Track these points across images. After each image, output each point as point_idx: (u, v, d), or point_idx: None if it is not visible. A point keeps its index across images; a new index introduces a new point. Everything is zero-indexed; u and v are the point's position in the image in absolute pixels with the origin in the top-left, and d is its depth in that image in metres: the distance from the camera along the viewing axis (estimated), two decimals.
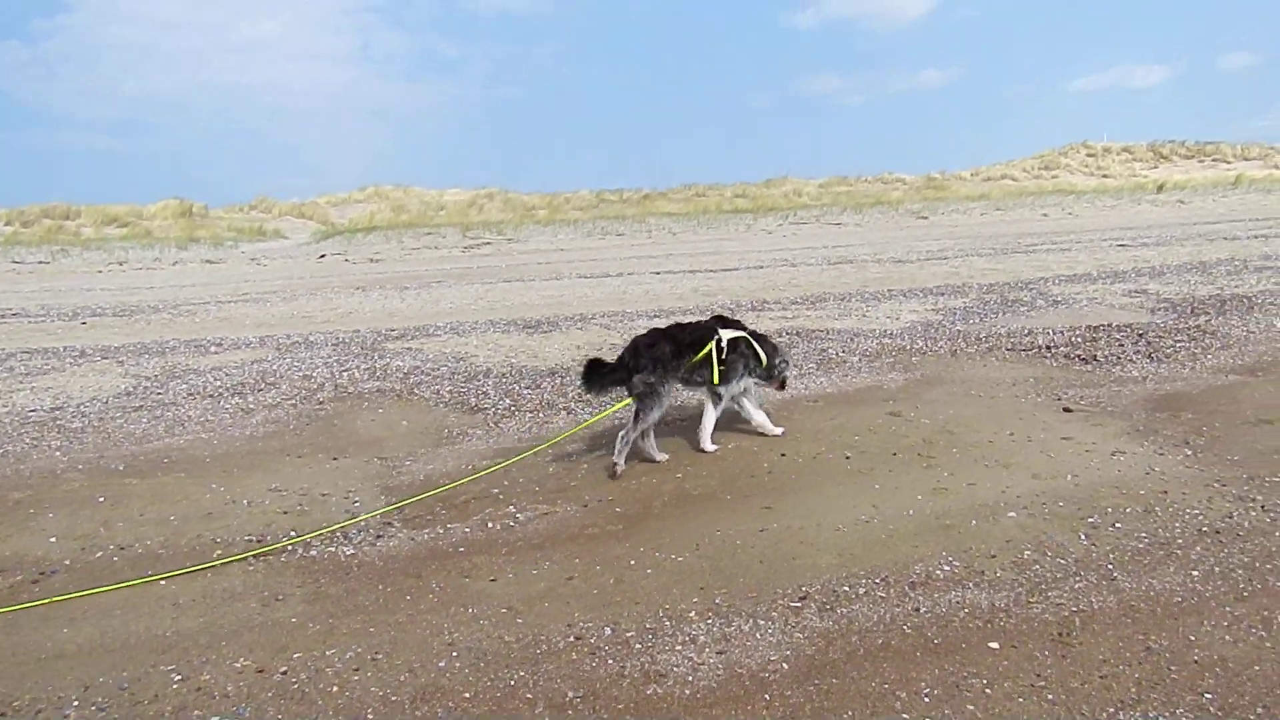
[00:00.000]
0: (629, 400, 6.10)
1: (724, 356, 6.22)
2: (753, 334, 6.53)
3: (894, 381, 8.18)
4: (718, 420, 6.45)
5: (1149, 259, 17.45)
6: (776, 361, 6.60)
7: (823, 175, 64.14)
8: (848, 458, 6.05)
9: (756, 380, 6.57)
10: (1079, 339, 9.47)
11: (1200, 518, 4.76)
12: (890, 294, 14.17)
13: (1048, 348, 9.14)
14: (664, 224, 40.61)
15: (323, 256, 34.51)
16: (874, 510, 5.10)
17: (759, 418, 6.60)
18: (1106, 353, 8.77)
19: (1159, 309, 11.25)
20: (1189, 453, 5.86)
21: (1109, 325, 10.10)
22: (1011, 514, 4.93)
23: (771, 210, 45.23)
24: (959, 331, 10.39)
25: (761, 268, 20.18)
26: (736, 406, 6.63)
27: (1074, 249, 20.72)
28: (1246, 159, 68.66)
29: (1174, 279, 14.04)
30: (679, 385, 6.35)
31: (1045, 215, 38.56)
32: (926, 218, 39.39)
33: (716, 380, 6.23)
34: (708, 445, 6.31)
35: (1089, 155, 70.91)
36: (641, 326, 11.50)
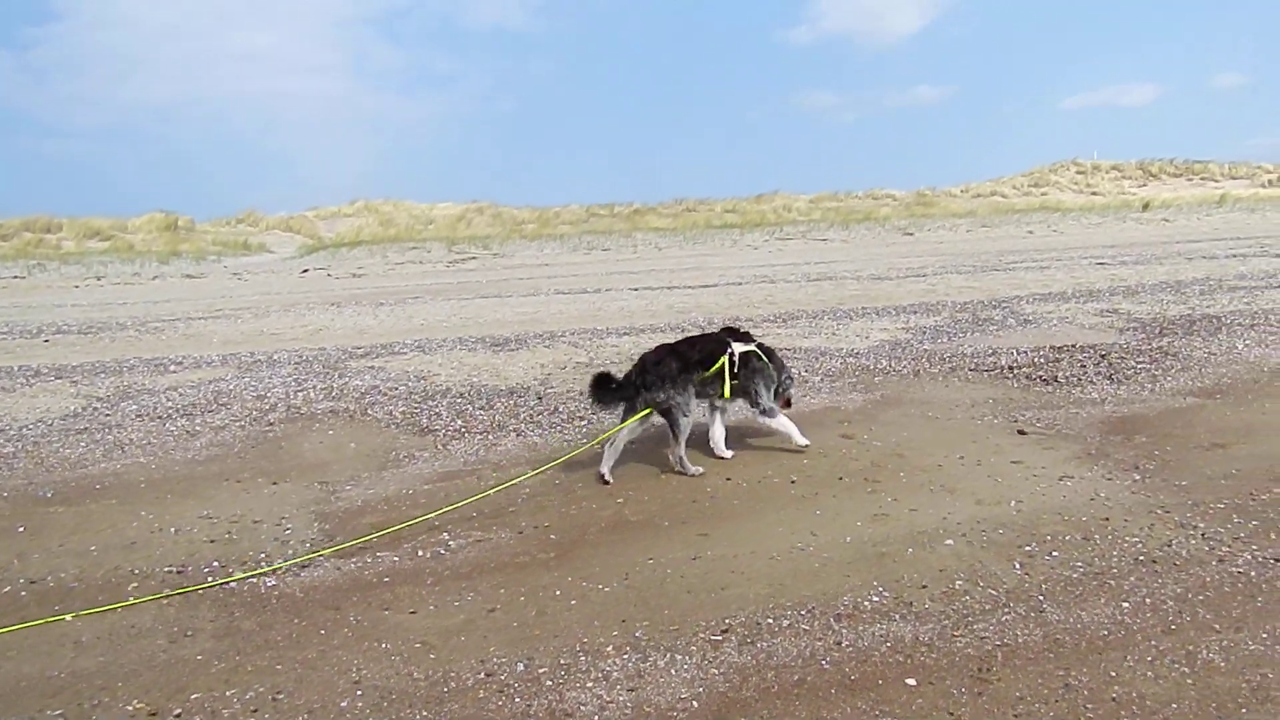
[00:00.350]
0: (605, 436, 6.03)
1: (736, 370, 6.23)
2: (761, 347, 6.49)
3: (852, 402, 8.10)
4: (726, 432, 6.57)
5: (1126, 278, 17.43)
6: (782, 377, 6.55)
7: (814, 191, 64.25)
8: (793, 482, 5.95)
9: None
10: (1042, 359, 9.40)
11: (1139, 546, 4.67)
12: (863, 312, 14.11)
13: (1010, 368, 9.08)
14: (651, 239, 40.58)
15: (306, 271, 34.38)
16: (811, 538, 5.00)
17: (718, 436, 6.57)
18: (1068, 374, 8.70)
19: (1128, 329, 11.19)
20: (1137, 477, 5.78)
21: (1073, 346, 10.04)
22: (949, 542, 4.84)
23: (760, 226, 45.31)
24: (925, 351, 10.32)
25: (740, 284, 20.12)
26: (709, 421, 6.59)
27: (1053, 267, 20.71)
28: (1234, 178, 69.02)
29: (1148, 298, 14.01)
30: (695, 399, 6.29)
31: (1031, 232, 38.63)
32: (912, 234, 39.43)
33: (727, 395, 6.23)
34: (800, 439, 6.41)
35: (1079, 173, 71.26)
36: (610, 344, 11.43)
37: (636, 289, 19.97)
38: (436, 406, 8.40)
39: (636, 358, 6.35)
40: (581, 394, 8.60)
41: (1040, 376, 8.67)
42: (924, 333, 11.71)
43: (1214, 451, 6.27)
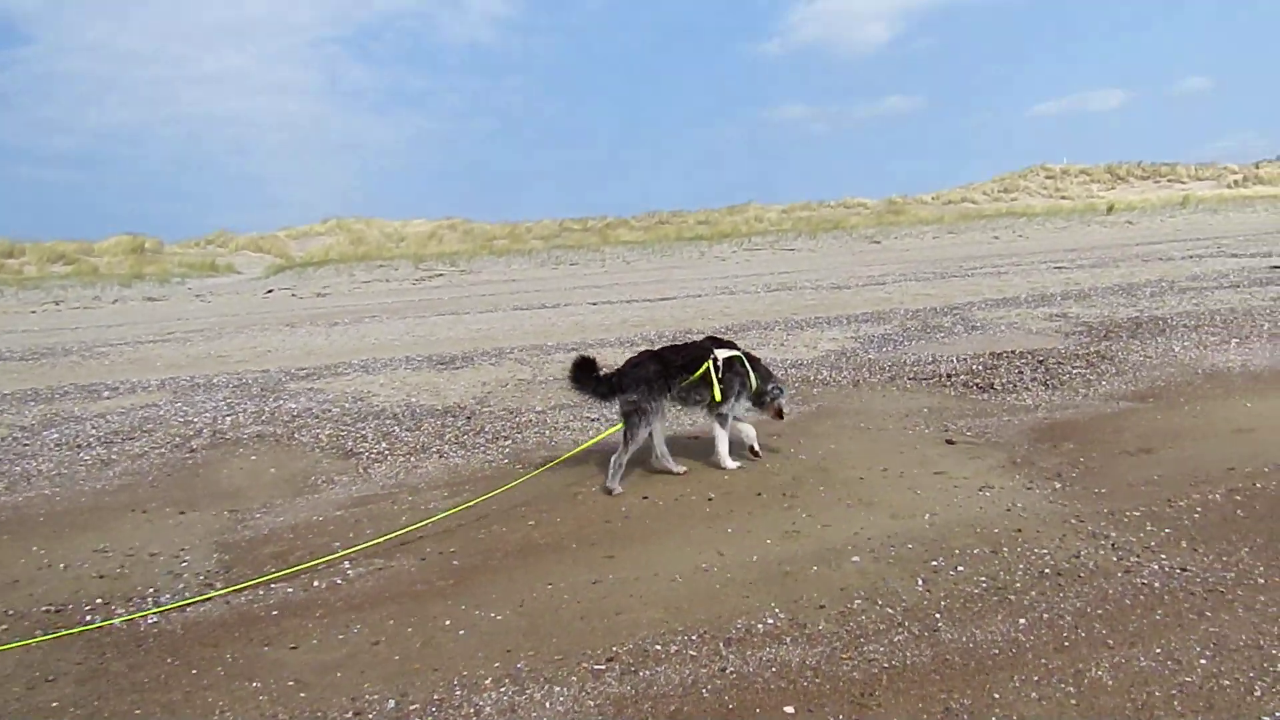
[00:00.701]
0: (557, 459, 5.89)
1: (720, 376, 6.17)
2: (747, 355, 6.43)
3: (787, 414, 7.98)
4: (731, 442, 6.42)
5: (1080, 281, 17.45)
6: (769, 387, 6.48)
7: (787, 201, 64.48)
8: (710, 499, 5.83)
9: (747, 407, 6.47)
10: (980, 366, 9.32)
11: (1046, 559, 4.57)
12: (815, 321, 14.03)
13: (949, 376, 8.99)
14: (619, 252, 40.52)
15: (270, 291, 34.09)
16: (718, 557, 4.88)
17: (748, 433, 6.51)
18: (1004, 380, 8.62)
19: (1073, 333, 11.15)
20: (1058, 486, 5.70)
21: (1014, 352, 9.97)
22: (856, 559, 4.72)
23: (729, 237, 45.27)
24: (868, 360, 10.23)
25: (700, 296, 20.04)
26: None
27: (1012, 272, 20.74)
28: (1200, 179, 69.78)
29: (1099, 301, 13.99)
30: (678, 405, 6.36)
31: (996, 238, 38.83)
32: (879, 242, 39.56)
33: (719, 398, 6.15)
34: (728, 463, 6.29)
35: (1048, 177, 71.86)
36: (556, 360, 11.29)
37: (596, 303, 19.87)
38: (364, 429, 8.23)
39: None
40: (510, 412, 8.47)
41: (977, 384, 8.59)
42: (871, 342, 11.63)
43: (1139, 457, 6.19)
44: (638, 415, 6.00)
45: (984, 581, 4.36)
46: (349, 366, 12.17)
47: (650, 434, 6.14)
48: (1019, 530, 4.96)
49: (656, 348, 6.50)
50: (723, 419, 6.32)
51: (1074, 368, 8.91)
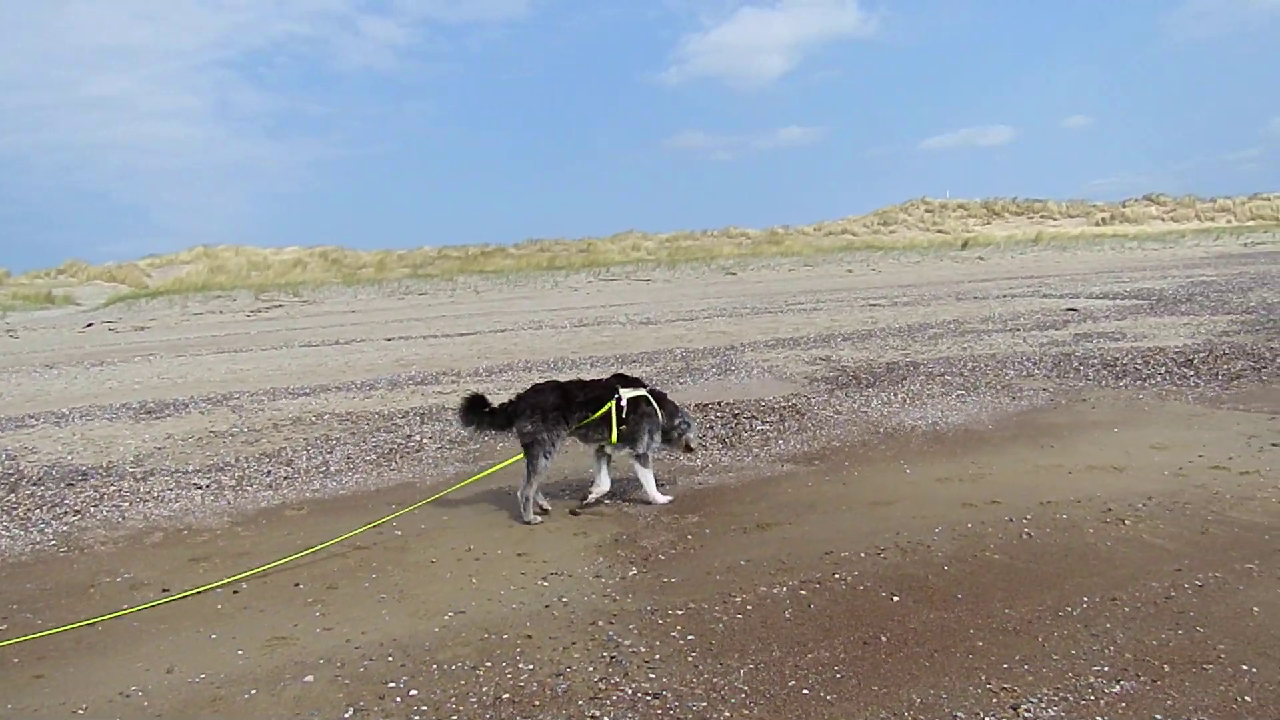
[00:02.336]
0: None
1: (624, 416, 6.09)
2: (652, 393, 6.35)
3: (423, 478, 7.21)
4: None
5: (879, 320, 17.21)
6: (676, 422, 6.39)
7: (672, 229, 64.55)
8: (235, 593, 4.98)
9: (658, 444, 6.38)
10: None
11: (524, 679, 3.84)
12: (582, 362, 13.35)
13: None
14: (473, 282, 39.59)
15: (89, 325, 32.11)
16: (163, 678, 4.03)
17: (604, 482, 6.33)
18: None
19: (817, 380, 10.68)
20: (632, 573, 5.02)
21: (731, 402, 9.40)
22: (309, 678, 3.93)
23: (592, 266, 44.73)
24: None
25: (504, 331, 19.26)
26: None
27: (825, 308, 20.51)
28: (1071, 216, 72.45)
29: (874, 344, 13.64)
30: (577, 440, 6.29)
31: (850, 271, 39.12)
32: (735, 274, 39.48)
33: (615, 440, 6.08)
34: (659, 499, 6.24)
35: (927, 211, 73.60)
36: (277, 407, 10.33)
37: (392, 339, 18.91)
38: None
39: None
40: (146, 475, 7.52)
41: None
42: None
43: (751, 534, 5.57)
44: (536, 446, 5.92)
45: (428, 711, 3.60)
46: (49, 416, 11.01)
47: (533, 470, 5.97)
48: (530, 636, 4.24)
49: (563, 380, 6.37)
50: (643, 459, 6.22)
51: (765, 423, 8.35)
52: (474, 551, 5.46)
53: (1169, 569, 4.64)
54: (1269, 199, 72.76)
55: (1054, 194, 74.64)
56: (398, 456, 7.88)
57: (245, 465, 7.79)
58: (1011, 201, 75.29)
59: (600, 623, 4.37)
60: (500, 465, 6.61)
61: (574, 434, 6.15)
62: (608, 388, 6.22)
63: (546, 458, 5.96)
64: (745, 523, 5.79)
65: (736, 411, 8.92)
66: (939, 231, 67.46)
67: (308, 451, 8.15)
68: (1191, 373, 9.89)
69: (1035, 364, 10.88)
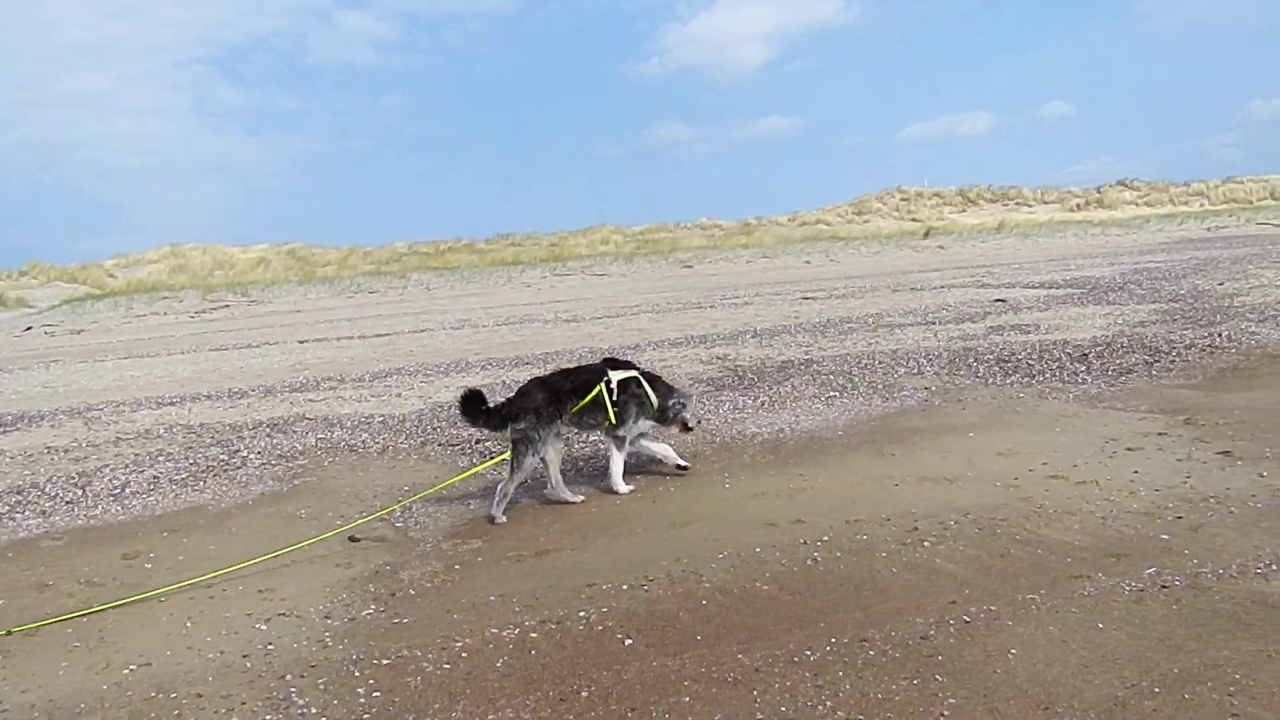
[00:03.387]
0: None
1: (614, 398, 6.08)
2: (644, 374, 6.33)
3: (230, 499, 6.70)
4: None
5: (803, 314, 16.73)
6: (670, 403, 6.33)
7: (645, 222, 64.16)
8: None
9: (651, 426, 6.39)
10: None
11: None
12: (479, 365, 12.83)
13: (478, 441, 7.85)
14: (426, 279, 38.90)
15: (29, 329, 31.40)
16: None
17: (662, 451, 6.51)
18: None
19: (702, 381, 10.20)
20: (367, 612, 4.53)
21: None
22: None
23: (550, 260, 44.20)
24: (429, 424, 9.03)
25: (423, 331, 18.70)
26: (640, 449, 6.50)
27: (759, 302, 20.05)
28: (1045, 202, 72.20)
29: (780, 341, 13.14)
30: (574, 429, 6.37)
31: (808, 262, 38.64)
32: (692, 267, 38.94)
33: (613, 421, 6.08)
34: (621, 488, 6.18)
35: (902, 200, 73.28)
36: (128, 420, 9.78)
37: (306, 340, 18.36)
38: None
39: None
40: None
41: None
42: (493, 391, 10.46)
43: (526, 563, 5.12)
44: (525, 444, 5.86)
45: None
46: None
47: (545, 463, 5.98)
48: (200, 694, 3.75)
49: (545, 373, 6.45)
50: (619, 441, 6.20)
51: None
52: (215, 587, 4.94)
53: (944, 600, 4.17)
54: (1242, 183, 72.63)
55: (1035, 181, 74.13)
56: (211, 475, 7.34)
57: (45, 487, 7.25)
58: (986, 189, 75.00)
59: (289, 676, 3.87)
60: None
61: (572, 423, 6.16)
62: (596, 371, 6.21)
63: (536, 455, 5.89)
64: (526, 548, 5.30)
65: None
66: (913, 220, 67.17)
67: (116, 471, 7.60)
68: (1084, 368, 9.44)
69: (930, 361, 10.42)
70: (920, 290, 20.48)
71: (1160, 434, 6.78)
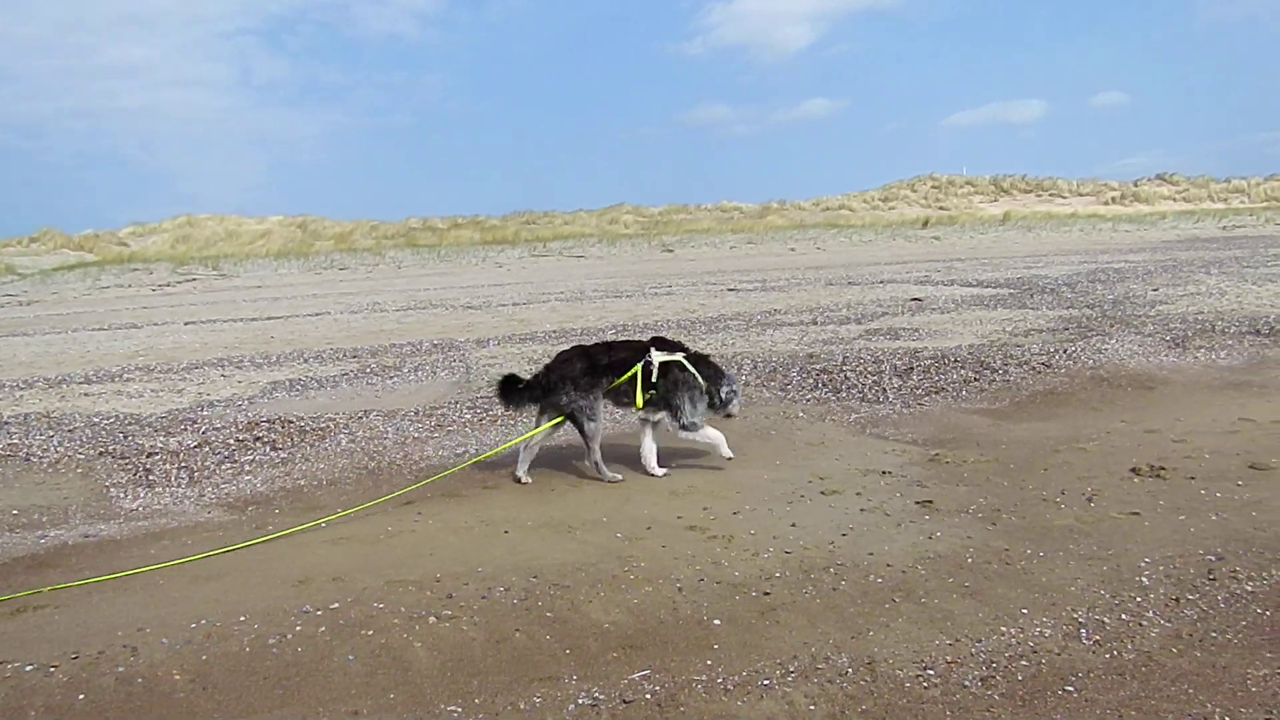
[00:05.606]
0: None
1: (654, 381, 5.84)
2: (692, 357, 6.00)
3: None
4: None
5: (713, 308, 15.78)
6: (722, 391, 6.00)
7: (663, 204, 63.56)
8: None
9: (699, 412, 6.00)
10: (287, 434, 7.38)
11: None
12: (342, 354, 12.04)
13: (257, 439, 7.05)
14: (401, 257, 38.36)
15: None
16: None
17: (649, 451, 6.06)
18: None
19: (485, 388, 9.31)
20: None
21: (302, 418, 8.06)
22: None
23: (534, 241, 43.43)
24: (267, 413, 8.24)
25: (319, 315, 17.93)
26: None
27: (691, 291, 19.08)
28: (1081, 195, 69.86)
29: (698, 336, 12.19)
30: (611, 404, 6.13)
31: (793, 250, 37.47)
32: (672, 250, 37.93)
33: (640, 405, 5.89)
34: (656, 470, 5.96)
35: (934, 187, 71.35)
36: None
37: (191, 322, 17.72)
38: None
39: None
40: None
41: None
42: (322, 384, 9.70)
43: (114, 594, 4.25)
44: (579, 413, 5.81)
45: None
46: None
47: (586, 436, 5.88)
48: None
49: (588, 345, 6.24)
50: (691, 428, 5.95)
51: (278, 449, 7.01)
52: None
53: (345, 710, 3.28)
54: None
55: (1083, 172, 71.82)
56: None
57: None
58: (1021, 179, 72.83)
59: None
60: None
61: (607, 397, 5.98)
62: (637, 350, 6.00)
63: (594, 420, 5.83)
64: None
65: (289, 426, 7.59)
66: (940, 209, 65.29)
67: None
68: (898, 384, 8.47)
69: (761, 368, 9.48)
70: (855, 285, 19.41)
71: (884, 473, 5.85)
